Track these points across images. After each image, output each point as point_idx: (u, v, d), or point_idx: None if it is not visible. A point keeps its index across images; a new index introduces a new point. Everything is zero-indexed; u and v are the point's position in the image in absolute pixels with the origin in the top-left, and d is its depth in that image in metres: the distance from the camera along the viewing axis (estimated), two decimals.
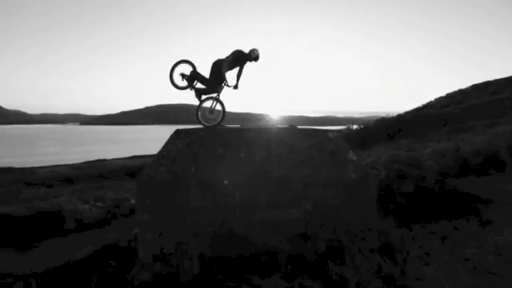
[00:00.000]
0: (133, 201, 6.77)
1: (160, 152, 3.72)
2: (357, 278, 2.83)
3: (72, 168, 23.04)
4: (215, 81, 3.96)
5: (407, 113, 19.70)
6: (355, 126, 17.92)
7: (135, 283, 3.25)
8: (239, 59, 3.95)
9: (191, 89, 4.09)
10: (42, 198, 8.97)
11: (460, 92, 23.22)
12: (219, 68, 3.87)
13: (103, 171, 21.04)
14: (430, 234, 3.61)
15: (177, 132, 3.87)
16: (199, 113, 4.08)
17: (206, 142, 3.71)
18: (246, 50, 3.98)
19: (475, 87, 23.06)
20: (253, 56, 3.91)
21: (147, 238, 3.54)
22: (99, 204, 6.87)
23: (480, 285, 2.67)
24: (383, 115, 18.90)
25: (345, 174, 3.56)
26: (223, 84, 3.98)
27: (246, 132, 3.83)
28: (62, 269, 3.65)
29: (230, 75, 4.02)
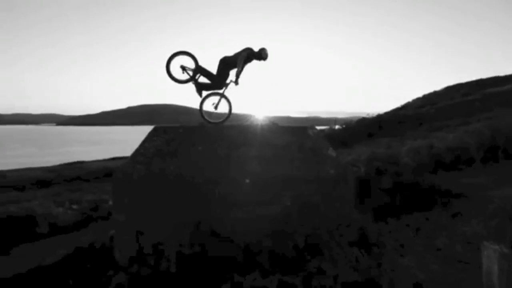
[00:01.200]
0: (111, 203, 6.54)
1: (137, 150, 3.61)
2: (335, 272, 2.89)
3: (47, 170, 21.88)
4: (223, 77, 3.92)
5: (386, 113, 20.47)
6: (337, 126, 18.37)
7: (111, 286, 3.13)
8: (249, 57, 3.93)
9: (193, 83, 3.94)
10: (12, 202, 8.46)
11: (435, 93, 24.45)
12: (231, 65, 3.85)
13: (82, 173, 20.18)
14: (405, 226, 3.74)
15: (155, 129, 3.78)
16: (203, 109, 3.99)
17: (185, 140, 3.65)
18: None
19: (448, 89, 24.37)
20: (263, 55, 3.91)
21: (123, 239, 3.42)
22: (74, 206, 6.58)
23: (449, 273, 2.81)
24: (364, 115, 19.52)
25: (324, 170, 3.61)
26: (229, 81, 3.95)
27: (226, 129, 3.81)
28: (31, 275, 3.45)
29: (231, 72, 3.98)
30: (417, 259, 3.08)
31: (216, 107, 3.96)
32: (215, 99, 3.96)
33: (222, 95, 3.96)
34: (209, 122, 3.99)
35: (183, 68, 3.86)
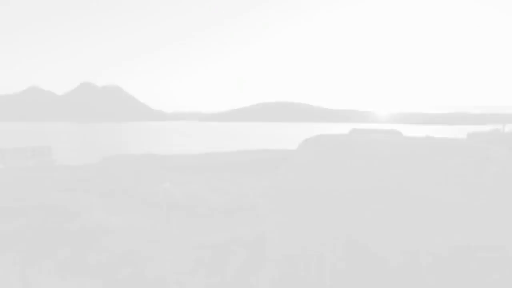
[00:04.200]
0: (251, 197, 7.59)
1: (291, 160, 4.05)
2: None
3: (193, 158, 27.66)
4: None
5: None
6: (507, 128, 13.57)
7: (263, 274, 3.69)
8: None
9: None
10: (181, 183, 11.30)
11: None
12: None
13: (219, 163, 24.32)
14: None
15: (306, 141, 4.11)
16: None
17: (334, 154, 3.77)
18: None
19: None
20: None
21: (275, 237, 3.94)
22: (225, 196, 8.07)
23: None
24: None
25: None
26: None
27: (378, 144, 3.64)
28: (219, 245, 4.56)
29: None
30: None
31: None
32: None
33: None
34: None
35: None
